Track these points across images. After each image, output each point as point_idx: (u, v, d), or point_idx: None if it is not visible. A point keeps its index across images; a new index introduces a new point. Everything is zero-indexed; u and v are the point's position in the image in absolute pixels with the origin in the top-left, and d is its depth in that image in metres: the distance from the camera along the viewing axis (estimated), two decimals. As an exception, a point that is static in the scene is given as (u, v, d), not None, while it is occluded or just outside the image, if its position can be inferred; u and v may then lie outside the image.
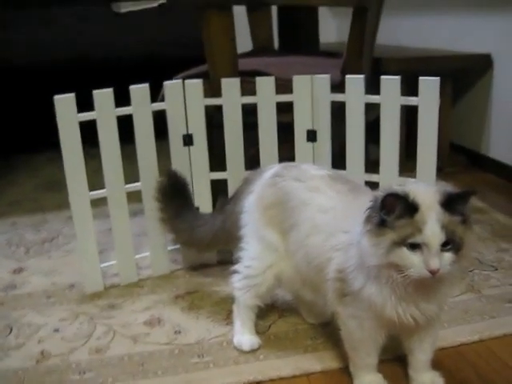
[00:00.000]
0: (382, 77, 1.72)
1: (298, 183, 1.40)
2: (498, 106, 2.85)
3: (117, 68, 3.61)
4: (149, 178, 1.84)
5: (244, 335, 1.53)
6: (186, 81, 1.84)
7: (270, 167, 1.52)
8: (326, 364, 1.44)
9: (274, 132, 1.88)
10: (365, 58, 2.05)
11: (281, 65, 2.23)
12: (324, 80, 1.83)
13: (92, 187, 1.79)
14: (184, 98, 1.85)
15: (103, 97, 1.73)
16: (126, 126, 1.82)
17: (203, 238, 1.69)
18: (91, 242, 1.82)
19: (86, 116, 1.72)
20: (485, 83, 2.93)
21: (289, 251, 1.41)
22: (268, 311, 1.65)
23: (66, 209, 1.87)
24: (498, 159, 2.86)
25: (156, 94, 1.95)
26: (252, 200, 1.48)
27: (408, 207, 1.09)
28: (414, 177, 1.72)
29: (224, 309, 1.71)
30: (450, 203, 1.10)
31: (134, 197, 1.86)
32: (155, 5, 3.21)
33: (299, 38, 2.89)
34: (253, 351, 1.51)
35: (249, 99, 1.86)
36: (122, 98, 1.78)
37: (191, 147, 1.89)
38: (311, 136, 1.88)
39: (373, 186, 1.61)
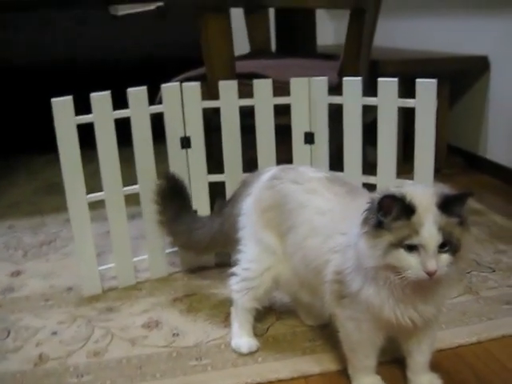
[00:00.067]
0: (380, 79, 1.72)
1: (296, 185, 1.40)
2: (495, 107, 2.85)
3: (114, 71, 3.61)
4: (147, 181, 1.84)
5: (242, 338, 1.53)
6: (184, 83, 1.84)
7: (268, 170, 1.52)
8: (325, 366, 1.44)
9: (272, 134, 1.88)
10: (362, 60, 2.05)
11: (278, 67, 2.23)
12: (321, 82, 1.83)
13: (90, 190, 1.78)
14: (182, 101, 1.85)
15: (101, 99, 1.73)
16: (123, 129, 1.82)
17: (201, 241, 1.69)
18: (89, 245, 1.82)
19: (84, 119, 1.72)
20: (482, 85, 2.93)
21: (287, 253, 1.41)
22: (266, 313, 1.65)
23: (64, 211, 1.87)
24: (495, 161, 2.87)
25: (154, 97, 1.95)
26: (250, 202, 1.48)
27: (405, 209, 1.09)
28: (412, 179, 1.72)
29: (222, 311, 1.71)
30: (447, 205, 1.10)
31: (132, 200, 1.86)
32: (153, 8, 3.22)
33: (296, 41, 2.90)
34: (251, 354, 1.50)
35: (246, 102, 1.86)
36: (120, 101, 1.79)
37: (189, 150, 1.89)
38: (309, 138, 1.88)
39: (370, 187, 1.62)
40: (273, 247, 1.43)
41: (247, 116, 1.86)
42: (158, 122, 1.85)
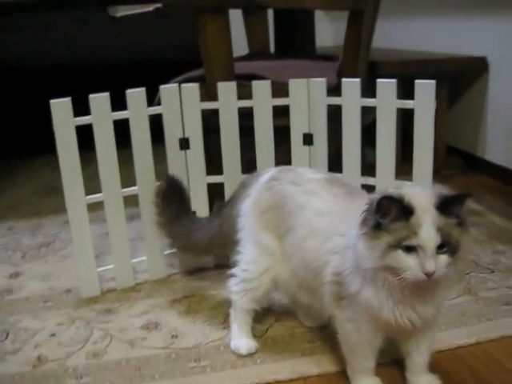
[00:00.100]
0: (378, 80, 1.72)
1: (295, 187, 1.40)
2: (494, 108, 2.85)
3: (113, 72, 3.62)
4: (145, 182, 1.84)
5: (241, 339, 1.53)
6: (183, 85, 1.84)
7: (267, 171, 1.52)
8: (324, 367, 1.44)
9: (271, 135, 1.88)
10: (361, 61, 2.05)
11: (277, 68, 2.23)
12: (320, 83, 1.83)
13: (89, 191, 1.78)
14: (180, 102, 1.85)
15: (99, 101, 1.73)
16: (122, 130, 1.82)
17: (200, 243, 1.69)
18: (88, 247, 1.82)
19: (83, 120, 1.72)
20: (480, 86, 2.93)
21: (285, 255, 1.41)
22: (265, 315, 1.65)
23: (62, 213, 1.87)
24: (493, 162, 2.87)
25: (152, 98, 1.95)
26: (248, 204, 1.48)
27: (403, 210, 1.09)
28: (411, 180, 1.72)
29: (221, 313, 1.71)
30: (445, 206, 1.10)
31: (131, 201, 1.87)
32: (151, 9, 3.22)
33: (295, 42, 2.90)
34: (250, 355, 1.50)
35: (245, 103, 1.86)
36: (119, 102, 1.78)
37: (188, 151, 1.89)
38: (307, 139, 1.88)
39: (369, 189, 1.62)
40: (272, 248, 1.43)
41: (246, 117, 1.86)
42: (156, 123, 1.85)
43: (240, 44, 2.68)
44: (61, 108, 1.68)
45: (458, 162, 3.10)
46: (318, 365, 1.45)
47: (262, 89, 1.85)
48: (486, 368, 1.42)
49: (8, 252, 2.27)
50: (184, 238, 1.73)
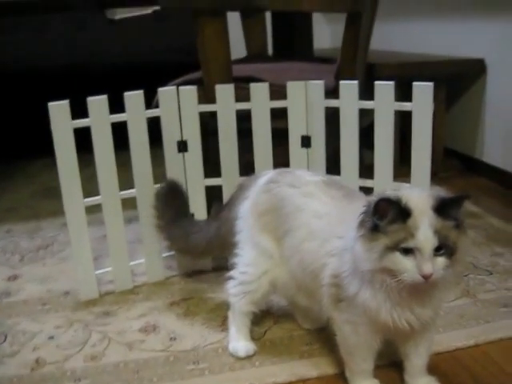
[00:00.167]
0: (376, 82, 1.72)
1: (293, 189, 1.40)
2: (492, 110, 2.86)
3: (111, 74, 3.62)
4: (143, 185, 1.84)
5: (239, 341, 1.52)
6: (180, 87, 1.84)
7: (265, 173, 1.52)
8: (322, 370, 1.44)
9: (269, 138, 1.88)
10: (359, 63, 2.05)
11: (275, 71, 2.23)
12: (318, 86, 1.83)
13: (87, 194, 1.78)
14: (178, 105, 1.85)
15: (97, 103, 1.73)
16: (120, 133, 1.82)
17: (198, 245, 1.69)
18: (86, 249, 1.82)
19: (81, 123, 1.72)
20: (478, 88, 2.94)
21: (284, 257, 1.41)
22: (263, 317, 1.65)
23: (61, 216, 1.87)
24: (491, 164, 2.87)
25: (150, 101, 1.95)
26: (247, 206, 1.48)
27: (400, 212, 1.09)
28: (409, 182, 1.72)
29: (219, 315, 1.71)
30: (443, 208, 1.10)
31: (129, 203, 1.86)
32: (149, 11, 3.22)
33: (293, 44, 2.90)
34: (248, 357, 1.50)
35: (243, 105, 1.86)
36: (117, 105, 1.78)
37: (186, 153, 1.89)
38: (305, 142, 1.89)
39: (367, 191, 1.61)
40: (270, 251, 1.43)
41: (244, 120, 1.86)
42: (154, 125, 1.84)
43: (238, 46, 2.68)
44: (59, 110, 1.68)
45: (456, 164, 3.10)
46: (316, 367, 1.45)
47: (260, 91, 1.85)
48: (485, 370, 1.42)
49: (6, 254, 2.27)
50: (182, 240, 1.73)
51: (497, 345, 1.52)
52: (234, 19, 2.54)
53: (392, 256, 1.09)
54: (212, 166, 1.92)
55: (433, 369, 1.35)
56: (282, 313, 1.71)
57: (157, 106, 1.86)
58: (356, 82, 1.77)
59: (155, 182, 1.85)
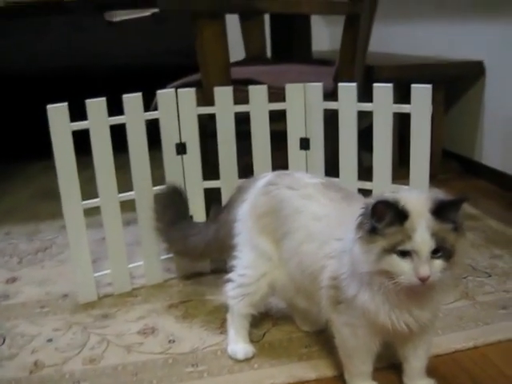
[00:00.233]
0: (375, 84, 1.73)
1: (292, 191, 1.40)
2: (491, 112, 2.86)
3: (110, 77, 3.62)
4: (142, 187, 1.84)
5: (238, 344, 1.52)
6: (179, 90, 1.84)
7: (264, 175, 1.52)
8: (321, 372, 1.44)
9: (267, 140, 1.88)
10: (357, 65, 2.06)
11: (273, 73, 2.23)
12: (317, 88, 1.83)
13: (85, 196, 1.78)
14: (177, 107, 1.85)
15: (96, 106, 1.73)
16: (119, 135, 1.82)
17: (196, 247, 1.69)
18: (84, 252, 1.82)
19: (79, 125, 1.72)
20: (477, 90, 2.94)
21: (282, 259, 1.41)
22: (262, 320, 1.65)
23: (59, 218, 1.87)
24: (490, 166, 2.87)
25: (149, 103, 1.95)
26: (245, 208, 1.48)
27: (398, 214, 1.09)
28: (407, 184, 1.72)
29: (218, 318, 1.70)
30: (440, 210, 1.10)
31: (128, 206, 1.86)
32: (148, 14, 3.22)
33: (292, 47, 2.90)
34: (247, 360, 1.50)
35: (242, 108, 1.86)
36: (115, 107, 1.78)
37: (184, 156, 1.89)
38: (304, 144, 1.89)
39: (366, 193, 1.62)
40: (269, 253, 1.43)
41: (243, 122, 1.86)
42: (153, 128, 1.84)
43: (237, 49, 2.68)
44: (58, 113, 1.68)
45: (455, 166, 3.10)
46: (315, 369, 1.45)
47: (258, 93, 1.85)
48: (484, 372, 1.42)
49: (5, 257, 2.27)
50: (181, 242, 1.73)
51: (496, 347, 1.52)
52: (232, 21, 2.54)
53: (389, 258, 1.09)
54: (211, 168, 1.92)
55: (432, 371, 1.35)
56: (281, 315, 1.70)
57: (155, 109, 1.86)
58: (355, 84, 1.77)
59: (154, 185, 1.85)
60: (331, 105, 1.82)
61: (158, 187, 1.86)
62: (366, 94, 1.81)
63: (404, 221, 1.09)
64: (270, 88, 1.86)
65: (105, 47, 3.73)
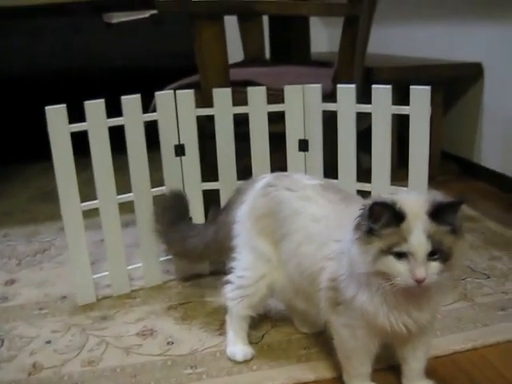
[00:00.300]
0: (374, 86, 1.73)
1: (290, 193, 1.40)
2: (490, 114, 2.86)
3: (108, 78, 3.62)
4: (141, 189, 1.84)
5: (237, 345, 1.52)
6: (178, 91, 1.84)
7: (262, 177, 1.52)
8: (320, 373, 1.44)
9: (266, 142, 1.88)
10: (356, 67, 2.06)
11: (272, 75, 2.23)
12: (315, 90, 1.83)
13: (84, 198, 1.78)
14: (176, 109, 1.85)
15: (95, 108, 1.73)
16: (117, 137, 1.82)
17: (195, 249, 1.69)
18: (83, 253, 1.82)
19: (78, 127, 1.72)
20: (476, 92, 2.94)
21: (281, 261, 1.40)
22: (261, 321, 1.65)
23: (58, 220, 1.87)
24: (489, 167, 2.87)
25: (148, 105, 1.95)
26: (244, 210, 1.48)
27: (394, 216, 1.09)
28: (406, 185, 1.72)
29: (217, 319, 1.70)
30: (437, 213, 1.10)
31: (126, 208, 1.86)
32: (147, 15, 3.21)
33: (290, 48, 2.90)
34: (246, 361, 1.50)
35: (240, 109, 1.86)
36: (114, 109, 1.78)
37: (183, 157, 1.89)
38: (303, 145, 1.89)
39: (365, 195, 1.62)
40: (267, 255, 1.43)
41: (241, 123, 1.86)
42: (152, 129, 1.84)
43: (235, 50, 2.68)
44: (56, 115, 1.68)
45: (454, 167, 3.10)
46: (314, 371, 1.45)
47: (257, 95, 1.85)
48: (483, 374, 1.42)
49: (3, 259, 2.27)
50: (180, 244, 1.73)
51: (494, 348, 1.52)
52: (231, 23, 2.55)
53: (385, 259, 1.09)
54: (209, 169, 1.92)
55: (431, 372, 1.35)
56: (280, 317, 1.70)
57: (154, 110, 1.86)
58: (353, 85, 1.77)
59: (153, 186, 1.85)
60: (330, 106, 1.82)
61: (156, 189, 1.86)
62: (364, 96, 1.80)
63: (400, 222, 1.09)
64: (268, 89, 1.86)
65: (103, 49, 3.73)
